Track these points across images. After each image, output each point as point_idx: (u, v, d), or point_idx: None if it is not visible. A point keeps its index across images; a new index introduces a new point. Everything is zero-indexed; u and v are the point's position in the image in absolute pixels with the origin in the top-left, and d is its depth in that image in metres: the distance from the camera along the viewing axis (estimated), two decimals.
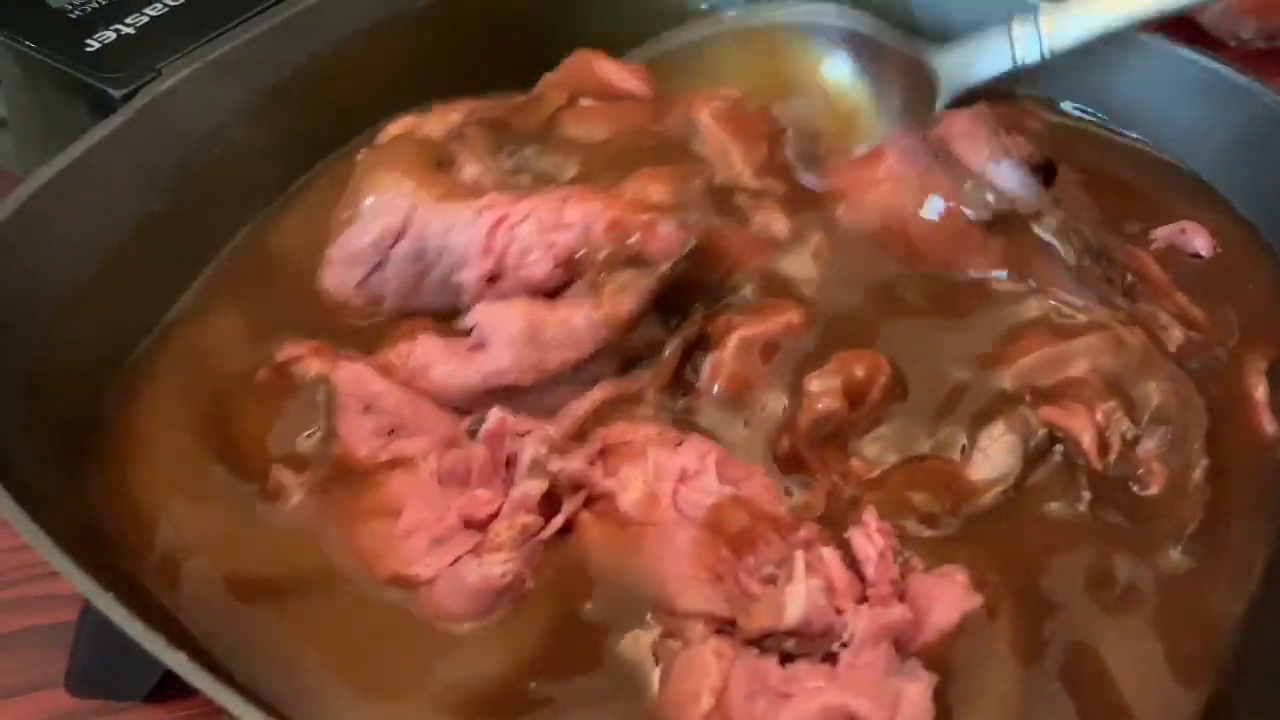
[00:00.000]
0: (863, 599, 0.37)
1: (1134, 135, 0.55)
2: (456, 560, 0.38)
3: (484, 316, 0.42)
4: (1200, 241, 0.51)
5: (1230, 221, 0.51)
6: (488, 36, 0.57)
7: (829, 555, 0.37)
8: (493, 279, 0.43)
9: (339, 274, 0.45)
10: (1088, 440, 0.41)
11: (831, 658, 0.36)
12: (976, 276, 0.46)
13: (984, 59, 0.52)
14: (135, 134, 0.47)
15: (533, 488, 0.39)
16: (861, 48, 0.53)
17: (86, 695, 0.43)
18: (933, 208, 0.47)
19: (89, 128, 0.46)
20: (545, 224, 0.42)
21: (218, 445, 0.42)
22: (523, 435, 0.40)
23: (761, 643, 0.36)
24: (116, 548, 0.39)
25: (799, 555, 0.37)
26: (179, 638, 0.34)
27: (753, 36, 0.54)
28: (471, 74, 0.57)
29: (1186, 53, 0.52)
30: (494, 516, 0.39)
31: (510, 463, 0.40)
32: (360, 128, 0.54)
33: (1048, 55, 0.50)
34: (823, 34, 0.53)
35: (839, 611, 0.36)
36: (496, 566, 0.37)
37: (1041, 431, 0.42)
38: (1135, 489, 0.41)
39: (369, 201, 0.44)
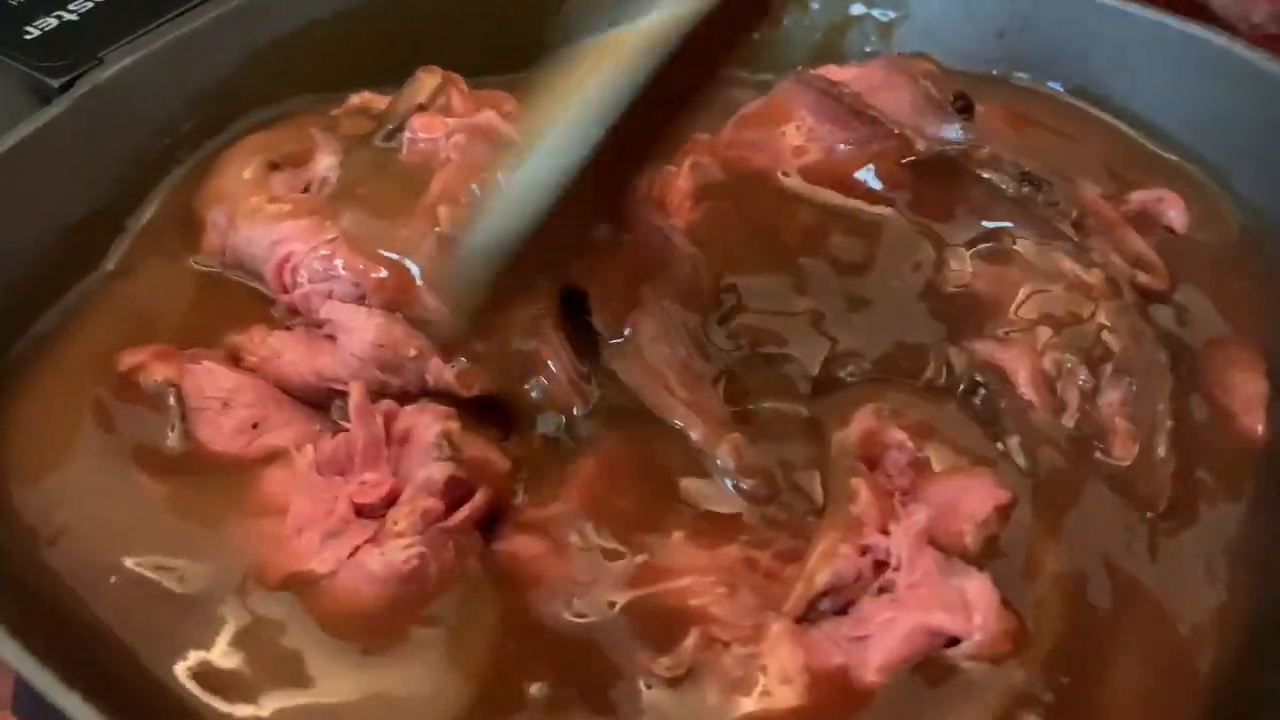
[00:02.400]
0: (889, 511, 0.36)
1: (1137, 112, 0.51)
2: (355, 551, 0.36)
3: (338, 316, 0.41)
4: (1175, 215, 0.48)
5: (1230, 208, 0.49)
6: (453, 24, 0.54)
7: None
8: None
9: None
10: (1024, 376, 0.40)
11: (886, 589, 0.35)
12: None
13: None
14: (74, 125, 0.44)
15: (439, 471, 0.37)
16: None
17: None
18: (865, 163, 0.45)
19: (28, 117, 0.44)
20: (317, 274, 0.41)
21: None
22: (415, 411, 0.38)
23: (810, 613, 0.35)
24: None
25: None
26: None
27: None
28: (436, 62, 0.55)
29: (1199, 31, 0.49)
30: (387, 500, 0.37)
31: (400, 441, 0.38)
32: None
33: None
34: None
35: (863, 552, 0.35)
36: (399, 553, 0.35)
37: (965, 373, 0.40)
38: (1098, 454, 0.39)
39: (207, 212, 0.44)
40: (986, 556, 0.36)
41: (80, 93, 0.44)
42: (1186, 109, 0.49)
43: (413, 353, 0.40)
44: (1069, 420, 0.40)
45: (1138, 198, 0.48)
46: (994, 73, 0.53)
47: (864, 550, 0.35)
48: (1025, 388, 0.40)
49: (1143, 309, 0.43)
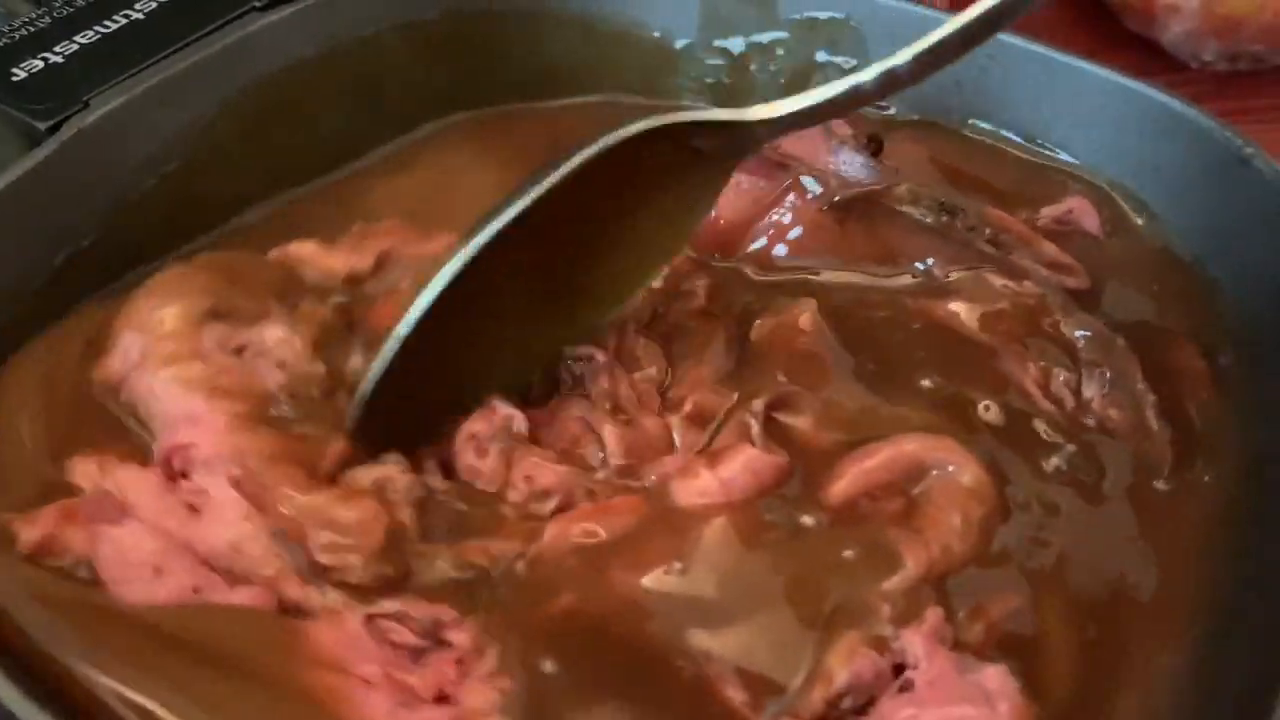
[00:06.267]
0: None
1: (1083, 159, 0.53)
2: None
3: (214, 492, 0.37)
4: (1089, 220, 0.49)
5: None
6: (435, 66, 0.55)
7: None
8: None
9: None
10: (1031, 389, 0.41)
11: (904, 688, 0.35)
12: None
13: None
14: (60, 169, 0.44)
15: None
16: None
17: None
18: (788, 207, 0.46)
19: (15, 160, 0.44)
20: (216, 481, 0.37)
21: None
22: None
23: (830, 714, 0.34)
24: None
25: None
26: None
27: None
28: (417, 104, 0.56)
29: (1137, 86, 0.50)
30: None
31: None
32: (300, 161, 0.52)
33: None
34: None
35: (883, 651, 0.35)
36: None
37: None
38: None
39: (120, 335, 0.40)
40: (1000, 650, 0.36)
41: (67, 136, 0.45)
42: (1130, 156, 0.51)
43: (269, 573, 0.36)
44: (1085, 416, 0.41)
45: (1047, 212, 0.50)
46: (951, 119, 0.54)
47: (884, 649, 0.35)
48: (1039, 399, 0.41)
49: (1081, 307, 0.44)
